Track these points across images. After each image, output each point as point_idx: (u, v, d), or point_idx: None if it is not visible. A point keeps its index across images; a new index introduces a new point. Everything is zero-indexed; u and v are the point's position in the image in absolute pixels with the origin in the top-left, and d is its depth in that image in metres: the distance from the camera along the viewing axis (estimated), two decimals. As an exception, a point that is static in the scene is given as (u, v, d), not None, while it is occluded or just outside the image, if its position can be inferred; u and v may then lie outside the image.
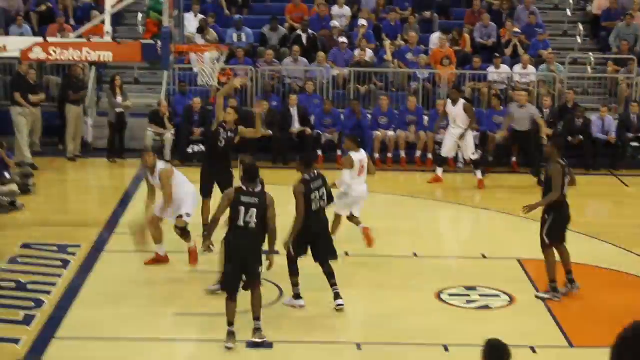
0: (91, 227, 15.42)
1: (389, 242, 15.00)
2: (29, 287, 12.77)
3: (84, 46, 13.81)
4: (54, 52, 13.83)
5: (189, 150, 20.50)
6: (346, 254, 13.60)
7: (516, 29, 23.58)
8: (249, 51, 22.88)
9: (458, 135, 18.64)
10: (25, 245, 14.43)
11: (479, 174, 18.84)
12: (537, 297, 12.38)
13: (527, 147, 19.57)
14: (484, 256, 14.14)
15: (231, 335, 10.50)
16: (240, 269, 10.52)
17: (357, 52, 22.46)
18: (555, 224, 12.22)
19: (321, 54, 22.22)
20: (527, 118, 19.16)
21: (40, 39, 14.25)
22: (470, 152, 18.84)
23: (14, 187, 16.93)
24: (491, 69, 22.23)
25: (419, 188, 18.87)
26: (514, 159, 20.52)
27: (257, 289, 10.65)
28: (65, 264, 13.69)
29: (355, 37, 23.25)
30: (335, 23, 23.41)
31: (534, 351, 10.66)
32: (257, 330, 10.61)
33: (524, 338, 10.83)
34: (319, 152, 20.74)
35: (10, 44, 14.28)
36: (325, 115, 21.00)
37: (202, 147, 19.98)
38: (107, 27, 14.43)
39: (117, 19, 22.78)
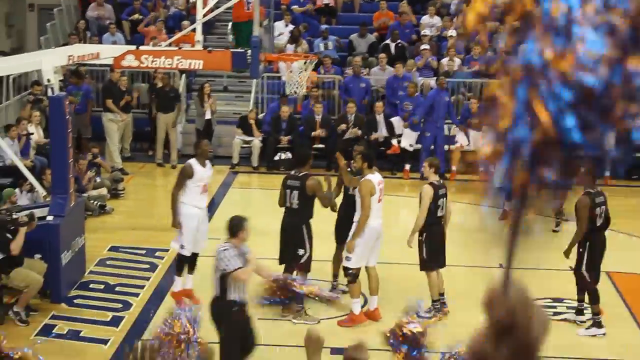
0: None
1: (480, 252, 14.91)
2: (117, 289, 12.99)
3: (175, 54, 13.97)
4: (146, 59, 13.99)
5: (276, 158, 20.63)
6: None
7: None
8: (337, 60, 22.95)
9: None
10: (114, 248, 14.68)
11: None
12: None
13: None
14: (571, 268, 13.90)
15: None
16: (286, 245, 11.76)
17: (445, 61, 22.34)
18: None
19: (411, 62, 22.09)
20: None
21: (132, 47, 14.42)
22: None
23: (103, 191, 17.25)
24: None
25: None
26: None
27: (300, 272, 11.65)
28: (153, 267, 13.89)
29: (444, 47, 23.15)
30: (425, 32, 23.32)
31: (622, 365, 10.50)
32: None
33: (611, 351, 10.68)
34: (407, 167, 20.44)
35: (104, 52, 14.50)
36: (408, 98, 20.70)
37: (289, 155, 20.09)
38: (198, 36, 14.58)
39: (208, 28, 23.08)
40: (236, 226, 9.54)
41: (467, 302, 12.65)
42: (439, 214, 11.91)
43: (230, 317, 9.37)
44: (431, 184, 11.91)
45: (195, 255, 12.36)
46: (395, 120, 20.60)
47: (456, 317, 11.94)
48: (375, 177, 11.73)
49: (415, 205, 12.07)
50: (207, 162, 12.50)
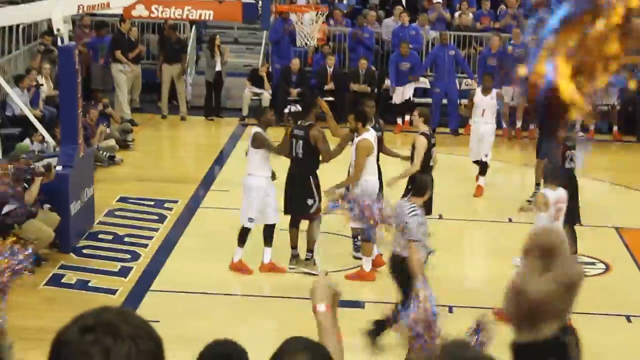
0: (187, 184, 15.60)
1: (482, 206, 14.93)
2: (126, 240, 13.02)
3: (185, 4, 13.88)
4: (157, 9, 13.91)
5: (285, 110, 20.53)
6: (440, 216, 13.52)
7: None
8: (349, 13, 22.77)
9: (481, 131, 15.78)
10: (123, 199, 14.69)
11: (482, 180, 15.57)
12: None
13: None
14: (580, 224, 13.83)
15: (295, 257, 11.81)
16: (294, 195, 11.67)
17: (457, 14, 22.15)
18: None
19: (424, 16, 21.87)
20: None
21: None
22: (484, 152, 15.60)
23: (112, 142, 17.22)
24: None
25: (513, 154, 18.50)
26: (615, 128, 19.97)
27: (311, 221, 11.67)
28: (162, 218, 13.91)
29: (457, 0, 22.91)
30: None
31: (629, 320, 10.50)
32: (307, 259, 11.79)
33: (619, 307, 10.69)
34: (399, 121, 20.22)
35: (114, 2, 14.39)
36: (402, 59, 20.29)
37: (299, 107, 19.98)
38: (209, -14, 14.49)
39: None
40: (427, 184, 9.97)
41: (459, 256, 12.78)
42: (430, 163, 12.01)
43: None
44: (423, 134, 11.93)
45: (272, 226, 11.91)
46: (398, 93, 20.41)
47: (448, 271, 11.89)
48: (371, 135, 11.67)
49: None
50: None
